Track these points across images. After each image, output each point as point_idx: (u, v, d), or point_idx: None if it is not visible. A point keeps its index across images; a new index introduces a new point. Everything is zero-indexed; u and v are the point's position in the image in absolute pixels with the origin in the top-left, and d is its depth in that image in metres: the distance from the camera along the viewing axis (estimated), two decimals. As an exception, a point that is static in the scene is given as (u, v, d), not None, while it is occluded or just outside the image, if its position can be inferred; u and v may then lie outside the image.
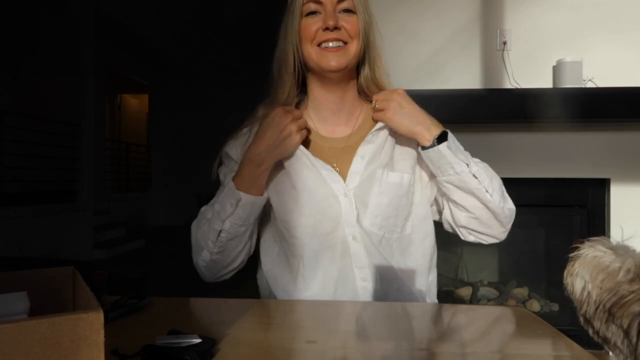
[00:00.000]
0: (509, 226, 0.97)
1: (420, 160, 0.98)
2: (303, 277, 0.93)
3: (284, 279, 0.97)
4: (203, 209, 0.98)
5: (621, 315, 0.56)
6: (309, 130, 0.97)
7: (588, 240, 0.65)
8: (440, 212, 1.03)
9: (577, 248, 0.65)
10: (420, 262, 0.98)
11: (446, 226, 1.03)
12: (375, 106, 0.97)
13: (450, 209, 0.98)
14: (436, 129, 0.92)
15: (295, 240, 0.94)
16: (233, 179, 0.92)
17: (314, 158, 0.94)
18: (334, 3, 0.93)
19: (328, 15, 0.92)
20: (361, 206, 0.93)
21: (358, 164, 0.95)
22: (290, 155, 0.94)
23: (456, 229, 1.00)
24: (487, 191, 0.91)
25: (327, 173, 0.94)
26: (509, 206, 0.95)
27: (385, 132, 0.98)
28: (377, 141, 0.96)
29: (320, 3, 0.93)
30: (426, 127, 0.92)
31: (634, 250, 0.63)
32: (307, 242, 0.93)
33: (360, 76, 1.01)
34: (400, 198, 0.95)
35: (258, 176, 0.92)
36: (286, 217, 0.94)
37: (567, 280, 0.65)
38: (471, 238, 0.99)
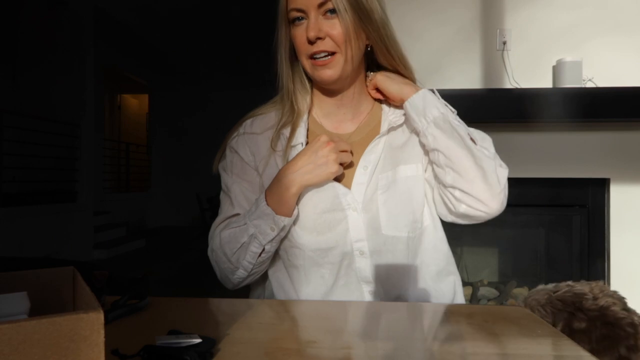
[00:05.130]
0: (501, 195, 0.89)
1: (424, 158, 0.96)
2: (304, 287, 0.91)
3: (286, 286, 0.95)
4: (220, 228, 0.93)
5: None
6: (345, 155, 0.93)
7: None
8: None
9: None
10: (437, 262, 0.95)
11: (440, 209, 0.95)
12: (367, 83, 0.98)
13: (436, 173, 0.92)
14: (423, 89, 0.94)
15: (296, 250, 0.91)
16: (266, 199, 0.87)
17: None
18: (315, 7, 0.85)
19: (309, 24, 0.86)
20: (374, 218, 0.90)
21: (361, 176, 0.92)
22: (322, 184, 0.89)
23: (445, 197, 0.91)
24: (471, 138, 0.90)
25: (336, 185, 0.91)
26: (500, 164, 0.91)
27: (384, 139, 0.95)
28: (378, 150, 0.94)
29: (302, 11, 0.86)
30: (414, 87, 0.93)
31: None
32: (308, 254, 0.90)
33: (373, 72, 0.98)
34: (411, 192, 0.92)
35: (286, 199, 0.86)
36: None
37: None
38: (462, 208, 0.89)
